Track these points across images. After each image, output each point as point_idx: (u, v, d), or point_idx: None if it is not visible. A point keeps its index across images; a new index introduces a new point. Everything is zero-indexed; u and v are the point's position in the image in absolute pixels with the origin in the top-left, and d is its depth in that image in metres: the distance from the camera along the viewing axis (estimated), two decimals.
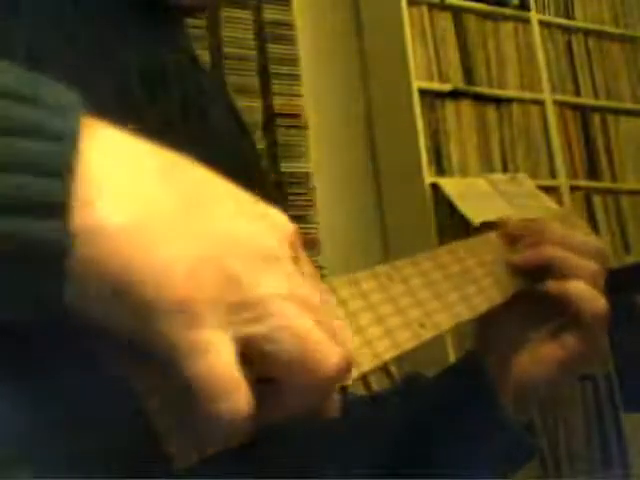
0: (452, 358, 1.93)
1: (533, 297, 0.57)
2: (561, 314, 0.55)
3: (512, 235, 0.58)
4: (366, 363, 0.39)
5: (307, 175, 2.14)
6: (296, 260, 0.31)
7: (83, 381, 0.30)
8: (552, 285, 0.55)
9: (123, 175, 0.27)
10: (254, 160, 0.59)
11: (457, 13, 2.45)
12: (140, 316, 0.26)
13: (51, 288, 0.25)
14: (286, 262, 0.30)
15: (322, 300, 0.31)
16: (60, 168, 0.25)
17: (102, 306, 0.26)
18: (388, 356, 0.41)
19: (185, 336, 0.26)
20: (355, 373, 0.38)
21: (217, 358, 0.27)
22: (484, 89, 2.41)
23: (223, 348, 0.27)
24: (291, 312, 0.29)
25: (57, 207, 0.25)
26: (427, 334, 0.45)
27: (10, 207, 0.24)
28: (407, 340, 0.43)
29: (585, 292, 0.53)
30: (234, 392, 0.27)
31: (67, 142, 0.25)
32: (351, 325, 0.40)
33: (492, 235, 0.58)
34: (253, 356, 0.28)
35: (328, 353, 0.29)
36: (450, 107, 2.33)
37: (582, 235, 0.57)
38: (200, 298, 0.27)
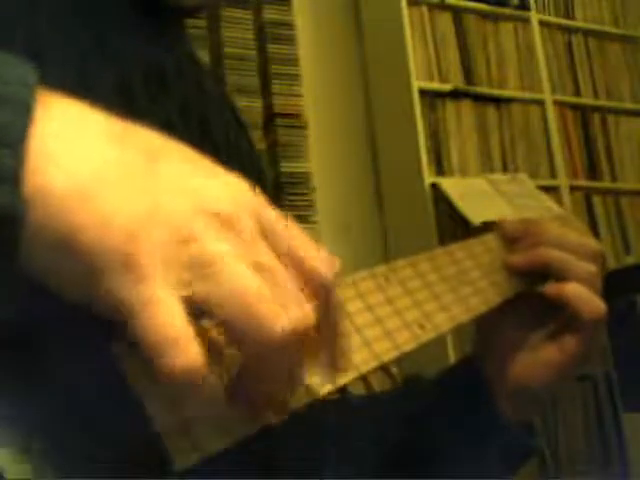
0: (452, 359, 1.93)
1: (531, 299, 0.57)
2: (559, 316, 0.55)
3: (510, 237, 0.58)
4: (365, 364, 0.39)
5: (307, 175, 2.14)
6: (263, 232, 0.30)
7: (82, 383, 0.30)
8: (549, 288, 0.55)
9: (70, 142, 0.27)
10: (253, 160, 0.59)
11: (457, 13, 2.45)
12: (86, 273, 0.27)
13: (5, 256, 0.26)
14: (242, 227, 0.29)
15: (279, 272, 0.30)
16: (13, 139, 0.26)
17: (54, 270, 0.27)
18: (388, 357, 0.41)
19: (131, 291, 0.26)
20: (355, 374, 0.38)
21: (164, 312, 0.26)
22: (484, 89, 2.41)
23: (170, 303, 0.27)
24: (239, 273, 0.28)
25: (9, 175, 0.25)
26: (426, 336, 0.45)
27: None
28: (407, 341, 0.43)
29: (582, 294, 0.53)
30: (183, 344, 0.26)
31: (21, 113, 0.26)
32: (350, 325, 0.40)
33: (490, 237, 0.58)
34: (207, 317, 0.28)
35: (274, 316, 0.28)
36: (450, 107, 2.33)
37: (579, 236, 0.57)
38: (145, 254, 0.27)
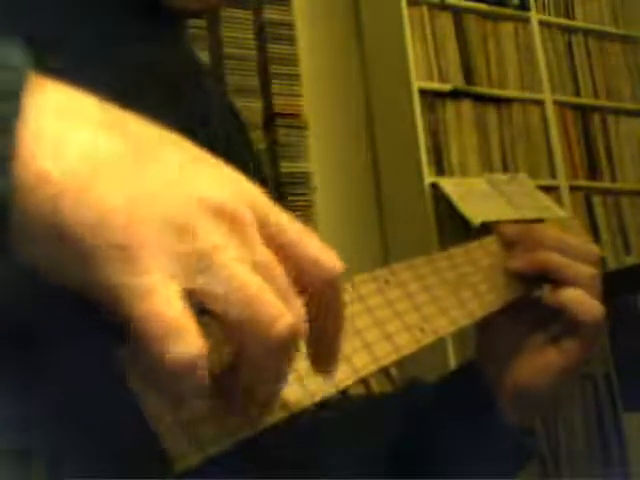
0: (453, 363, 1.93)
1: (532, 303, 0.57)
2: (559, 320, 0.55)
3: (509, 241, 0.58)
4: (365, 367, 0.39)
5: (307, 175, 2.14)
6: (262, 225, 0.30)
7: (82, 383, 0.30)
8: (548, 295, 0.55)
9: (64, 129, 0.27)
10: (254, 160, 0.59)
11: (457, 13, 2.45)
12: (82, 262, 0.26)
13: None
14: (241, 221, 0.28)
15: (276, 269, 0.30)
16: (6, 125, 0.25)
17: (48, 255, 0.26)
18: (387, 361, 0.41)
19: (128, 281, 0.26)
20: (354, 377, 0.38)
21: (161, 299, 0.26)
22: (484, 89, 2.41)
23: (167, 292, 0.26)
24: (239, 269, 0.27)
25: (1, 161, 0.25)
26: (426, 339, 0.45)
27: None
28: (406, 345, 0.43)
29: (580, 298, 0.53)
30: (181, 333, 0.26)
31: (13, 100, 0.26)
32: (350, 328, 0.40)
33: (490, 240, 0.58)
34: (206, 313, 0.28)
35: (275, 314, 0.28)
36: (450, 107, 2.33)
37: (578, 240, 0.57)
38: (141, 244, 0.26)
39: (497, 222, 1.97)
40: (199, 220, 0.27)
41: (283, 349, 0.29)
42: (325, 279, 0.31)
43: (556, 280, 0.55)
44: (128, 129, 0.28)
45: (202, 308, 0.28)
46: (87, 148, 0.27)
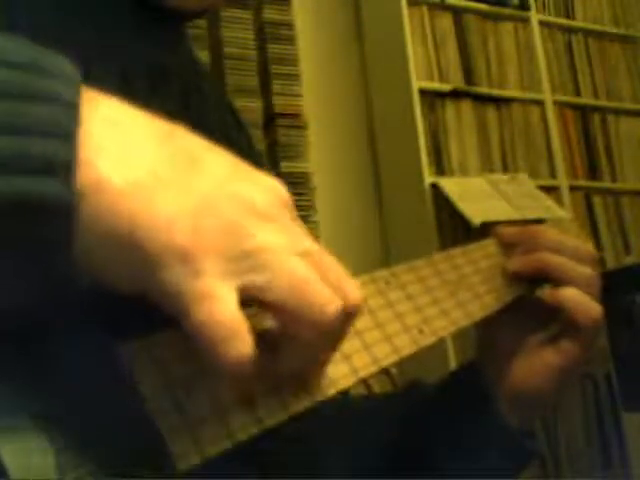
0: (453, 364, 1.93)
1: (531, 303, 0.57)
2: (557, 321, 0.55)
3: (508, 242, 0.58)
4: (365, 368, 0.39)
5: (307, 175, 2.13)
6: (294, 220, 0.32)
7: (84, 382, 0.30)
8: (546, 295, 0.55)
9: (121, 140, 0.28)
10: (254, 160, 0.59)
11: (457, 13, 2.45)
12: (146, 269, 0.28)
13: (59, 248, 0.26)
14: (283, 219, 0.31)
15: (323, 257, 0.32)
16: (64, 131, 0.26)
17: (108, 262, 0.28)
18: (387, 362, 0.41)
19: (189, 285, 0.28)
20: (354, 378, 0.38)
21: (219, 304, 0.28)
22: (484, 89, 2.41)
23: (224, 295, 0.28)
24: (289, 261, 0.30)
25: (61, 167, 0.26)
26: (426, 340, 0.45)
27: (18, 167, 0.25)
28: (406, 346, 0.43)
29: (578, 299, 0.53)
30: (236, 335, 0.28)
31: (71, 108, 0.27)
32: (350, 329, 0.40)
33: (489, 242, 0.59)
34: (255, 304, 0.30)
35: (326, 301, 0.30)
36: (450, 107, 2.33)
37: (577, 241, 0.57)
38: (201, 249, 0.28)
39: (497, 222, 1.97)
40: (248, 221, 0.30)
41: (334, 331, 0.31)
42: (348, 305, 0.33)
43: (555, 280, 0.55)
44: (179, 142, 0.30)
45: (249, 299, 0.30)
46: (146, 159, 0.28)
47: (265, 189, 0.31)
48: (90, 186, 0.26)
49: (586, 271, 0.55)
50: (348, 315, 0.32)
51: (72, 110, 0.27)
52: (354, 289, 0.32)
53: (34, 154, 0.25)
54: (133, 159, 0.28)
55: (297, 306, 0.30)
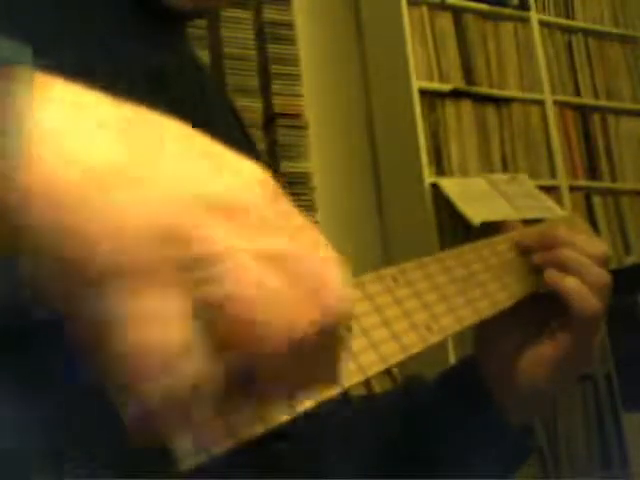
0: (453, 360, 1.93)
1: (531, 300, 0.57)
2: (556, 314, 0.55)
3: (527, 248, 0.58)
4: (372, 366, 0.39)
5: (307, 175, 2.14)
6: (280, 212, 0.27)
7: (84, 382, 0.30)
8: (550, 274, 0.55)
9: (75, 129, 0.25)
10: (255, 161, 0.59)
11: (457, 13, 2.45)
12: (71, 283, 0.24)
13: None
14: (251, 219, 0.26)
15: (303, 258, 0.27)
16: (11, 127, 0.24)
17: (45, 269, 0.24)
18: (394, 360, 0.41)
19: (122, 305, 0.23)
20: (360, 377, 0.38)
21: (159, 326, 0.23)
22: (484, 89, 2.41)
23: (170, 314, 0.24)
24: (249, 268, 0.25)
25: (10, 164, 0.23)
26: (434, 338, 0.45)
27: None
28: (414, 344, 0.43)
29: (579, 290, 0.54)
30: (182, 358, 0.24)
31: (19, 100, 0.24)
32: (357, 327, 0.40)
33: (498, 239, 0.58)
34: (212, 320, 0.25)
35: (294, 315, 0.25)
36: (450, 107, 2.33)
37: (591, 239, 0.57)
38: (140, 260, 0.24)
39: (497, 222, 1.97)
40: (207, 225, 0.25)
41: (313, 347, 0.26)
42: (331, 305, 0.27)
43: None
44: (141, 130, 0.26)
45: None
46: (94, 153, 0.25)
47: (236, 179, 0.27)
48: (35, 185, 0.23)
49: (604, 275, 0.55)
50: (328, 326, 0.26)
51: (21, 104, 0.24)
52: (336, 295, 0.26)
53: None
54: (82, 152, 0.24)
55: (259, 325, 0.25)
